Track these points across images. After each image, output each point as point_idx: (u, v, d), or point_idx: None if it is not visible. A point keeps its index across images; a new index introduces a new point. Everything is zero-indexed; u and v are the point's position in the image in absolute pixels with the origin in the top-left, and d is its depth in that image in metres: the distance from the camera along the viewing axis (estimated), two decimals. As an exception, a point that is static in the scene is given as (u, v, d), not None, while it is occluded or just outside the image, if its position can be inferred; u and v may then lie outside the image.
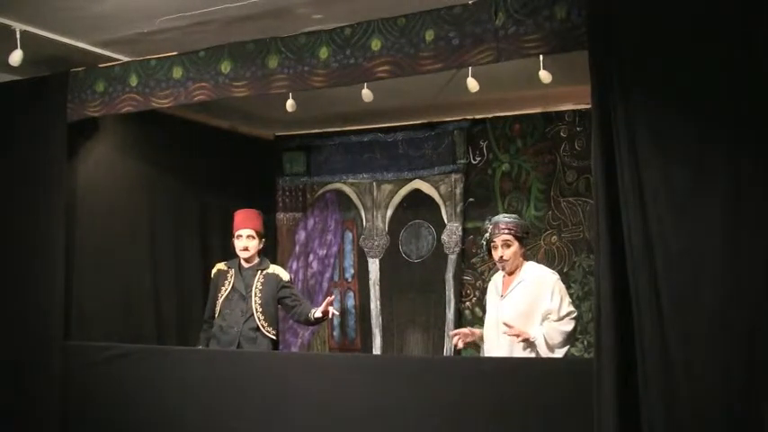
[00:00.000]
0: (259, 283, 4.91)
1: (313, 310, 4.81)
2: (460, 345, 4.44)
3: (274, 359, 4.61)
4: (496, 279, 4.44)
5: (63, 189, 4.69)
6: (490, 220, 4.37)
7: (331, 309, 4.79)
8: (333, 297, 4.87)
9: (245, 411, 4.11)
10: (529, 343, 4.09)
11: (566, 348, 4.13)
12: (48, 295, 4.61)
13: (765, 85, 2.98)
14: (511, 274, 4.30)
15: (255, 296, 4.87)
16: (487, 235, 4.31)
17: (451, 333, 4.49)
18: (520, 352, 4.12)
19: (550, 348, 4.07)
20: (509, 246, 4.22)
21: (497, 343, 4.21)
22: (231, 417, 4.13)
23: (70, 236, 4.81)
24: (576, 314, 4.17)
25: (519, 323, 4.11)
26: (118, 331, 5.02)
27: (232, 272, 4.98)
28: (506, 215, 4.47)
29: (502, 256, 4.23)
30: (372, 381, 3.93)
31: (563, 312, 4.10)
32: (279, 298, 4.95)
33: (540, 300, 4.14)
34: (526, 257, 4.39)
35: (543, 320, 4.13)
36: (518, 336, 4.06)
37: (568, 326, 4.11)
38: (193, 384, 4.29)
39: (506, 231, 4.22)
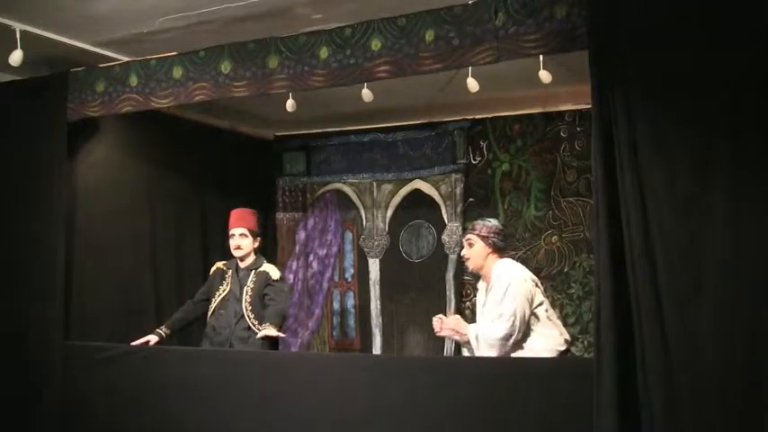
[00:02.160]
0: (251, 283, 4.88)
1: (263, 327, 4.61)
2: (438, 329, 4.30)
3: (274, 359, 4.61)
4: (480, 286, 4.48)
5: (63, 189, 4.69)
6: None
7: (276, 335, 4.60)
8: (285, 335, 4.68)
9: (245, 411, 4.11)
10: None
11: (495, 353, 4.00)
12: (48, 295, 4.61)
13: (766, 85, 2.98)
14: (483, 274, 4.34)
15: (246, 294, 4.85)
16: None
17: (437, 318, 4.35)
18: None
19: (485, 347, 4.02)
20: (471, 245, 4.33)
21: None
22: (231, 417, 4.13)
23: (70, 236, 4.82)
24: (509, 316, 3.98)
25: None
26: (118, 331, 5.02)
27: (230, 272, 4.97)
28: (485, 218, 4.48)
29: (464, 255, 4.41)
30: (372, 381, 3.93)
31: (497, 312, 4.04)
32: (262, 295, 4.87)
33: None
34: (502, 257, 4.33)
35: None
36: (453, 335, 4.19)
37: (500, 331, 3.99)
38: (193, 384, 4.28)
39: (471, 231, 4.36)
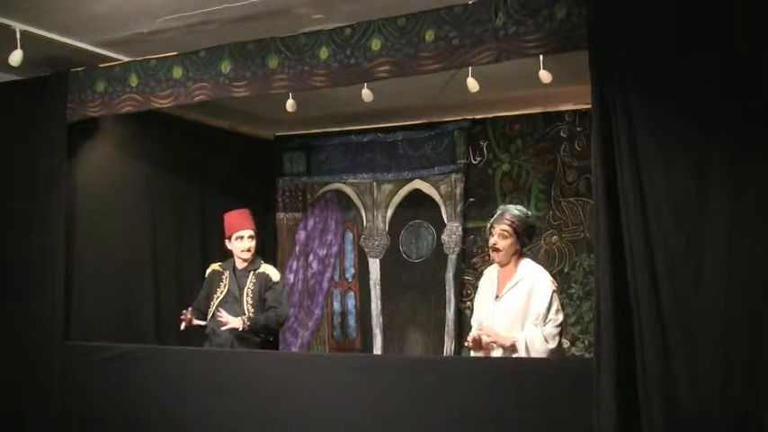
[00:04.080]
0: (251, 284, 4.87)
1: (246, 320, 4.72)
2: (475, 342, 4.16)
3: (274, 359, 4.61)
4: (491, 274, 4.32)
5: (63, 189, 4.69)
6: (497, 207, 4.37)
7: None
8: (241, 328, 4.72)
9: (245, 411, 4.11)
10: (511, 348, 4.03)
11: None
12: (48, 295, 4.61)
13: (766, 84, 2.98)
14: (504, 267, 4.22)
15: (247, 296, 4.84)
16: (492, 220, 4.25)
17: (472, 339, 4.17)
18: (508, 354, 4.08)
19: (535, 354, 4.00)
20: (505, 237, 4.16)
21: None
22: (231, 417, 4.13)
23: (70, 236, 4.82)
24: (558, 324, 4.03)
25: (513, 328, 4.08)
26: (118, 331, 5.02)
27: (227, 273, 4.94)
28: (518, 207, 4.33)
29: (495, 244, 4.17)
30: (372, 381, 3.93)
31: (549, 317, 4.05)
32: (263, 298, 4.87)
33: (531, 303, 4.08)
34: (523, 255, 4.27)
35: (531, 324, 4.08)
36: (495, 342, 4.05)
37: (552, 342, 3.99)
38: (193, 384, 4.29)
39: (507, 222, 4.16)
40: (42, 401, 4.55)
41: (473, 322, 4.40)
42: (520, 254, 4.24)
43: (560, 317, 4.08)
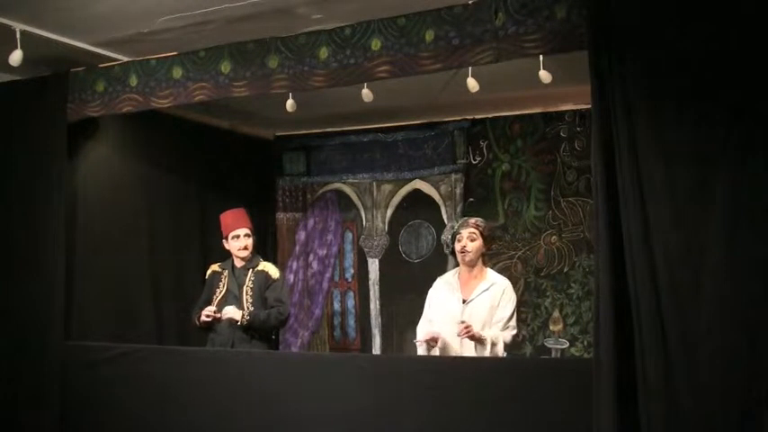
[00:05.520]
0: (250, 282, 4.87)
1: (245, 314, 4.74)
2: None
3: (274, 359, 4.61)
4: (450, 280, 4.46)
5: (63, 189, 4.69)
6: (457, 221, 4.60)
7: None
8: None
9: (245, 411, 4.11)
10: (480, 343, 4.16)
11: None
12: (48, 296, 4.60)
13: (766, 84, 2.99)
14: (471, 269, 4.38)
15: (247, 295, 4.84)
16: (453, 229, 4.46)
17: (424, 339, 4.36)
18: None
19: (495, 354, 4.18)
20: (473, 240, 4.37)
21: (461, 348, 4.22)
22: (231, 416, 4.13)
23: (70, 236, 4.82)
24: (515, 333, 4.38)
25: (483, 329, 4.21)
26: (118, 331, 5.02)
27: (226, 273, 4.94)
28: (478, 218, 4.56)
29: (465, 246, 4.36)
30: (372, 381, 3.93)
31: (511, 324, 4.32)
32: (263, 297, 4.88)
33: (499, 307, 4.31)
34: (488, 263, 4.56)
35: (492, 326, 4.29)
36: (472, 335, 4.13)
37: (506, 350, 4.27)
38: (193, 384, 4.28)
39: (473, 226, 4.39)
40: (42, 401, 4.55)
41: (424, 325, 4.42)
42: (485, 260, 4.48)
43: (515, 329, 4.37)
